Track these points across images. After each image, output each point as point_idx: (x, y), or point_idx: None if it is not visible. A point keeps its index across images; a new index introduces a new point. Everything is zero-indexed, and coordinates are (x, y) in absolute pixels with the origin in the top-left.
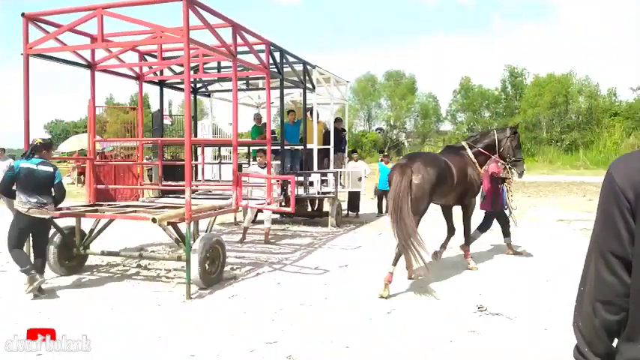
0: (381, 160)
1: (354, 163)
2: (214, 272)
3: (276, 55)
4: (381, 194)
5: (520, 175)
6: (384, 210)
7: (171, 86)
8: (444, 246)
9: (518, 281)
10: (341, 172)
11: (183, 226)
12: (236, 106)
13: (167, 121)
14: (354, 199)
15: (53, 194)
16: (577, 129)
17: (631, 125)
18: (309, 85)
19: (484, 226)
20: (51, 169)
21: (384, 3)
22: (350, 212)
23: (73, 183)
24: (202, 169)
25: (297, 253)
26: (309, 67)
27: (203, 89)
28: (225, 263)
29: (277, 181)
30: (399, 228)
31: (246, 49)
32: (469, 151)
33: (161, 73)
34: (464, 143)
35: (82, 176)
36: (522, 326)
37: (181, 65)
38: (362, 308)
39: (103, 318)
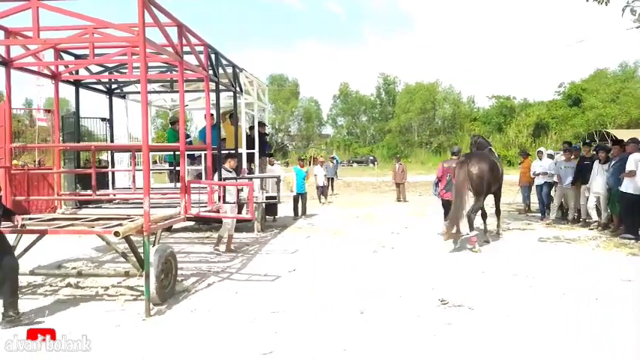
0: (297, 164)
1: (270, 167)
2: (168, 286)
3: (212, 57)
4: (297, 197)
5: None
6: (299, 212)
7: (87, 86)
8: (485, 230)
9: (460, 273)
10: (276, 176)
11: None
12: (183, 110)
13: (43, 123)
14: (271, 202)
15: None
16: (443, 133)
17: (488, 129)
18: (238, 89)
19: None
20: None
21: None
22: (267, 216)
23: None
24: (133, 177)
25: (237, 261)
26: (237, 71)
27: (118, 90)
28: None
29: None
30: (456, 202)
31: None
32: (495, 153)
33: (77, 72)
34: (492, 148)
35: None
36: (487, 315)
37: (100, 65)
38: (334, 311)
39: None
